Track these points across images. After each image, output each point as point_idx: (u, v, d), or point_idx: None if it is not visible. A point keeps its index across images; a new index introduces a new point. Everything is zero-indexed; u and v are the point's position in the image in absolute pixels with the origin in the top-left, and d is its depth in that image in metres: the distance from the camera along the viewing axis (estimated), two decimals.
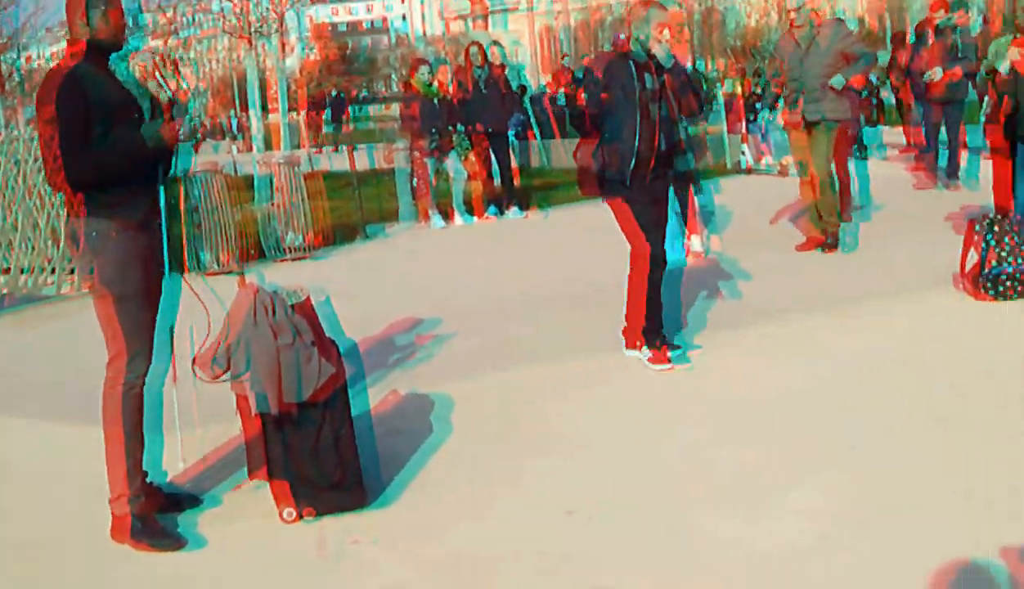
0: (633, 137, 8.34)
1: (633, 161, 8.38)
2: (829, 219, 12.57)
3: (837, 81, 12.24)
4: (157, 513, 6.12)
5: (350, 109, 56.85)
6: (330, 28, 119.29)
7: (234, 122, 52.77)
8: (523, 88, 27.88)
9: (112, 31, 5.84)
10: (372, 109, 76.59)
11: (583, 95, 8.70)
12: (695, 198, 12.98)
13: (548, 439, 7.19)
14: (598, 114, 8.50)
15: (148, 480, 6.18)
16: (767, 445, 6.80)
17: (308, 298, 6.35)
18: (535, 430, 7.40)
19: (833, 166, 12.87)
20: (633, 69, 8.38)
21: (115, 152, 5.71)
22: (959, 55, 16.24)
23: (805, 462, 6.46)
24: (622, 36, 8.41)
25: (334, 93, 48.26)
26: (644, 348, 8.68)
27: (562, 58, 18.54)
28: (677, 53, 8.46)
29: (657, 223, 8.71)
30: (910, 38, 21.52)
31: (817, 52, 12.42)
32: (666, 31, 8.37)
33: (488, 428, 7.49)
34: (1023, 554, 5.06)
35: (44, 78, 5.84)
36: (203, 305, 6.21)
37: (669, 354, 8.62)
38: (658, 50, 8.35)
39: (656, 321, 8.72)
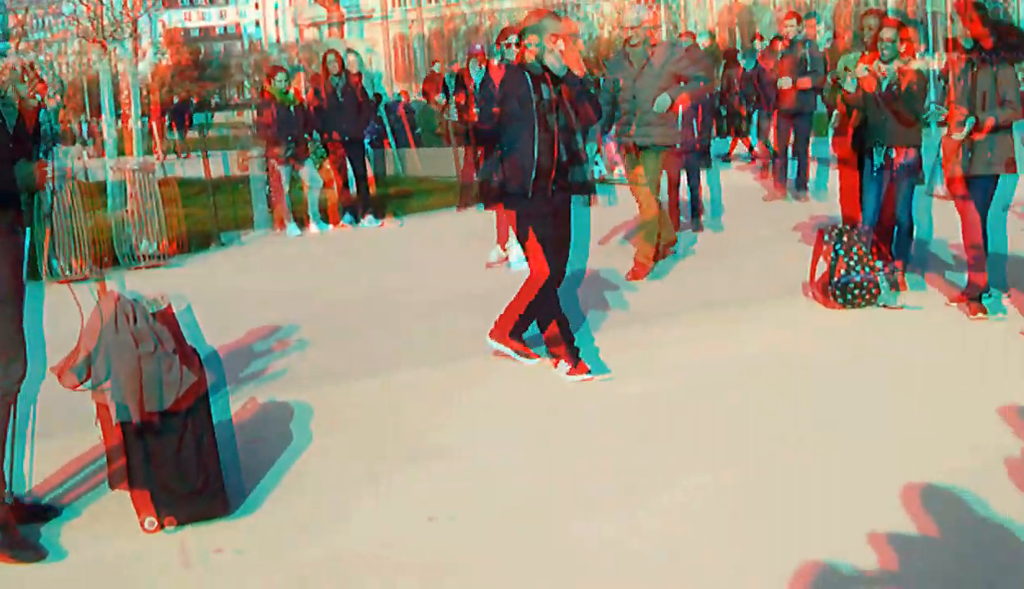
0: (532, 149, 8.33)
1: (534, 173, 8.36)
2: (644, 246, 12.28)
3: (660, 104, 11.86)
4: (18, 524, 6.07)
5: (193, 116, 56.32)
6: (183, 33, 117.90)
7: (84, 127, 51.92)
8: (378, 96, 27.90)
9: None
10: (224, 116, 75.88)
11: (475, 110, 8.77)
12: None
13: (410, 445, 7.23)
14: (492, 128, 8.53)
15: (7, 490, 6.13)
16: (625, 450, 6.94)
17: (169, 306, 6.34)
18: (397, 436, 7.44)
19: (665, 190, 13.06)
20: (529, 80, 8.39)
21: None
22: (808, 68, 16.61)
23: (663, 465, 6.61)
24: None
25: (176, 100, 47.78)
26: (561, 363, 8.57)
27: (433, 64, 18.59)
28: (570, 63, 8.42)
29: (558, 238, 8.67)
30: (740, 56, 22.09)
31: (650, 73, 12.04)
32: (560, 41, 8.39)
33: (350, 434, 7.52)
34: (878, 553, 5.24)
35: None
36: (80, 311, 6.19)
37: (588, 364, 8.57)
38: (552, 60, 8.35)
39: (566, 334, 8.62)
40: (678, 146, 12.83)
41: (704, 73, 12.96)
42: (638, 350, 9.28)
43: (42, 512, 6.37)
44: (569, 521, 5.90)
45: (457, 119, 15.84)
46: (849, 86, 10.61)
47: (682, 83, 12.08)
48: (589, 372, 8.48)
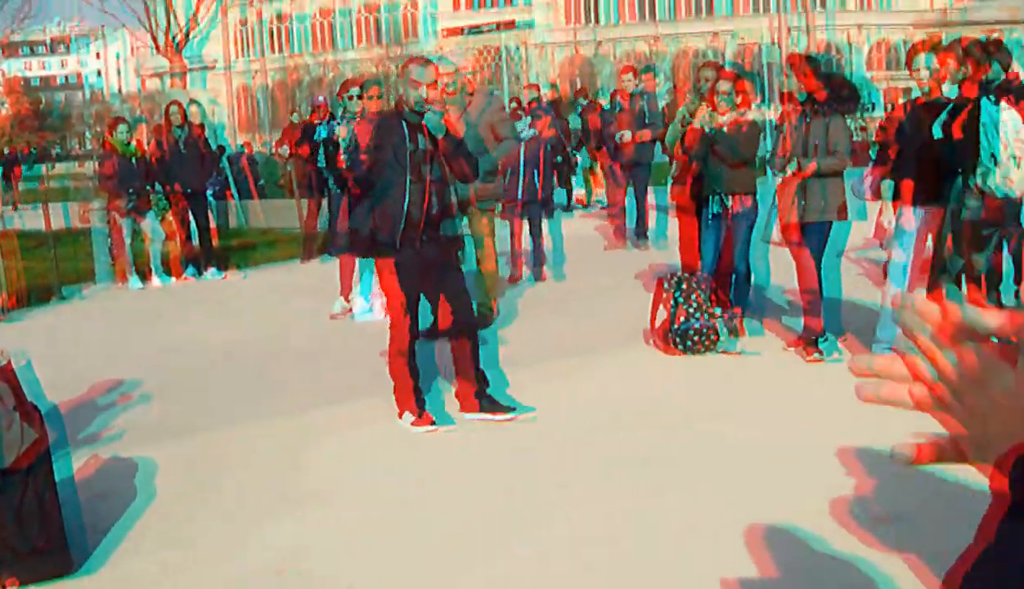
0: (403, 199, 8.22)
1: (402, 223, 8.25)
2: (484, 300, 12.01)
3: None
4: None
5: (23, 168, 55.37)
6: (23, 82, 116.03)
7: None
8: (221, 147, 27.76)
9: None
10: (65, 166, 74.80)
11: (343, 158, 8.73)
12: None
13: (256, 499, 7.23)
14: (362, 176, 8.42)
15: None
16: (483, 499, 7.00)
17: (9, 363, 6.27)
18: (243, 490, 7.42)
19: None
20: (405, 129, 8.30)
21: None
22: (647, 120, 16.88)
23: (512, 508, 6.68)
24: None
25: (6, 151, 46.97)
26: (406, 414, 8.51)
27: (291, 114, 18.48)
28: (447, 119, 8.36)
29: (423, 291, 8.66)
30: (576, 108, 22.41)
31: (467, 123, 11.17)
32: (428, 90, 8.36)
33: (194, 489, 7.48)
34: None
35: None
36: None
37: (432, 416, 8.54)
38: (433, 119, 8.25)
39: (416, 386, 8.59)
40: (515, 198, 12.89)
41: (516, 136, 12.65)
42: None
43: None
44: (429, 570, 5.93)
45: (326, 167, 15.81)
46: (687, 137, 10.84)
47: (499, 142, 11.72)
48: (434, 424, 8.47)
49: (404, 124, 8.33)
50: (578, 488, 7.10)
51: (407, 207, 8.24)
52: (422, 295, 8.74)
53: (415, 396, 8.56)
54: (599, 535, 6.32)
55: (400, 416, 8.57)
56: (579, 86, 38.98)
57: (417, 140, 8.30)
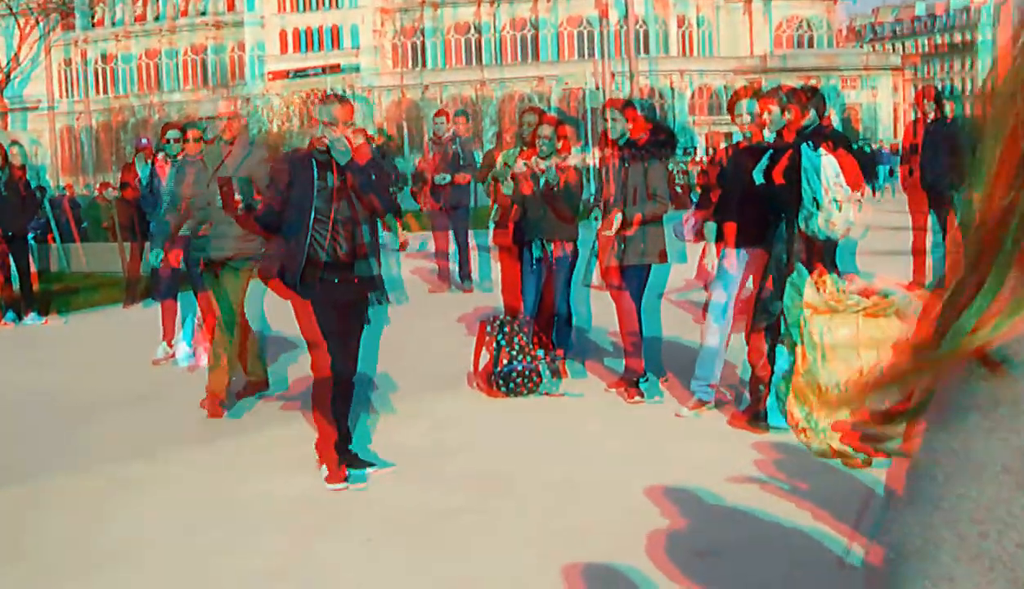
0: (306, 238, 7.97)
1: (302, 263, 7.98)
2: (255, 367, 11.02)
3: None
4: None
5: None
6: None
7: None
8: (42, 189, 27.27)
9: None
10: None
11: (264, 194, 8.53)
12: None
13: (57, 556, 7.10)
14: (268, 217, 8.27)
15: None
16: (282, 551, 6.97)
17: None
18: (54, 548, 7.28)
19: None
20: (314, 166, 8.06)
21: None
22: (462, 162, 17.01)
23: (319, 564, 6.66)
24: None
25: None
26: (323, 467, 8.12)
27: (136, 154, 18.18)
28: (355, 152, 8.08)
29: (336, 332, 8.11)
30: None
31: (224, 174, 9.85)
32: (335, 129, 8.06)
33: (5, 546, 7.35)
34: None
35: None
36: None
37: (347, 472, 8.12)
38: (339, 147, 8.00)
39: (340, 436, 8.25)
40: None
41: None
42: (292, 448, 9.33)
43: None
44: None
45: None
46: (506, 186, 10.94)
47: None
48: (346, 481, 8.07)
49: (314, 161, 8.09)
50: (383, 542, 7.10)
51: (307, 247, 7.98)
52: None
53: (335, 448, 8.15)
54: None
55: (319, 466, 8.18)
56: (407, 130, 39.15)
57: (326, 177, 8.05)
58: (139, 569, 6.76)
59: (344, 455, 8.25)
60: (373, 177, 8.18)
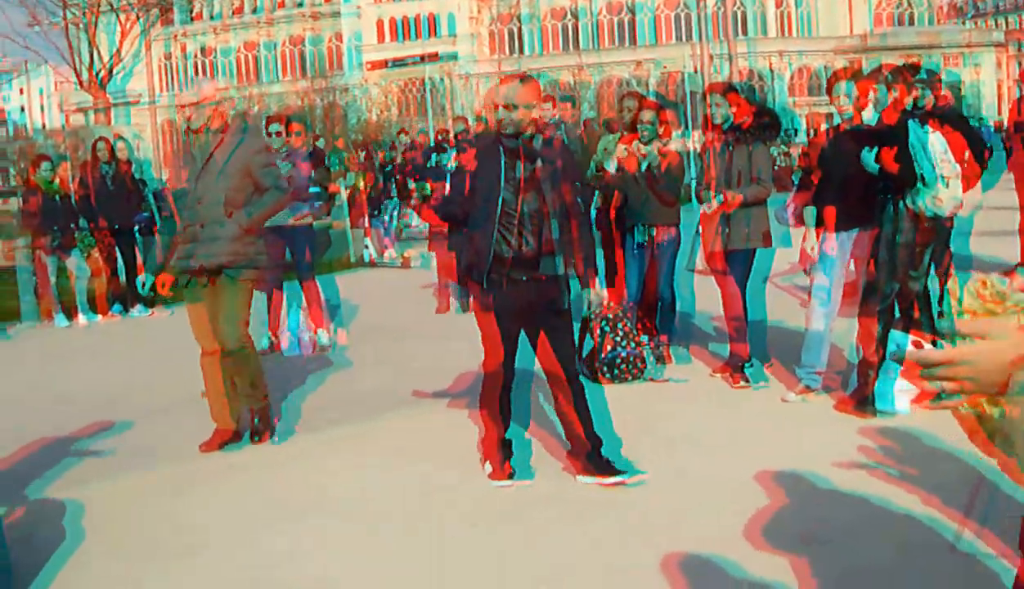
0: (491, 233, 7.41)
1: (489, 260, 7.45)
2: (254, 393, 9.29)
3: (234, 222, 8.88)
4: None
5: None
6: None
7: None
8: (144, 182, 27.56)
9: None
10: None
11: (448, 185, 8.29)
12: (320, 291, 13.17)
13: (175, 543, 7.18)
14: (449, 209, 8.00)
15: None
16: (404, 540, 7.00)
17: None
18: (162, 535, 7.38)
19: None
20: (502, 154, 7.49)
21: None
22: None
23: (431, 547, 6.70)
24: None
25: None
26: (487, 463, 7.90)
27: None
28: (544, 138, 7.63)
29: (516, 332, 7.69)
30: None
31: (213, 169, 8.92)
32: (517, 113, 7.47)
33: (123, 533, 7.43)
34: None
35: None
36: None
37: (511, 471, 7.81)
38: (518, 130, 7.46)
39: (503, 436, 7.92)
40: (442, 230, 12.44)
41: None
42: (416, 435, 9.36)
43: None
44: None
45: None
46: (610, 167, 10.91)
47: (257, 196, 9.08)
48: (512, 477, 7.78)
49: (501, 149, 7.51)
50: (493, 526, 7.12)
51: (493, 243, 7.44)
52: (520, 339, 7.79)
53: (499, 446, 7.89)
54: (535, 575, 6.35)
55: (482, 464, 8.01)
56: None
57: (514, 166, 7.46)
58: (229, 559, 6.85)
59: (595, 461, 7.70)
60: (562, 166, 7.64)
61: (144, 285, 8.97)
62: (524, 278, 7.52)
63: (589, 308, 7.74)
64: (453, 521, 7.16)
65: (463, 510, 7.35)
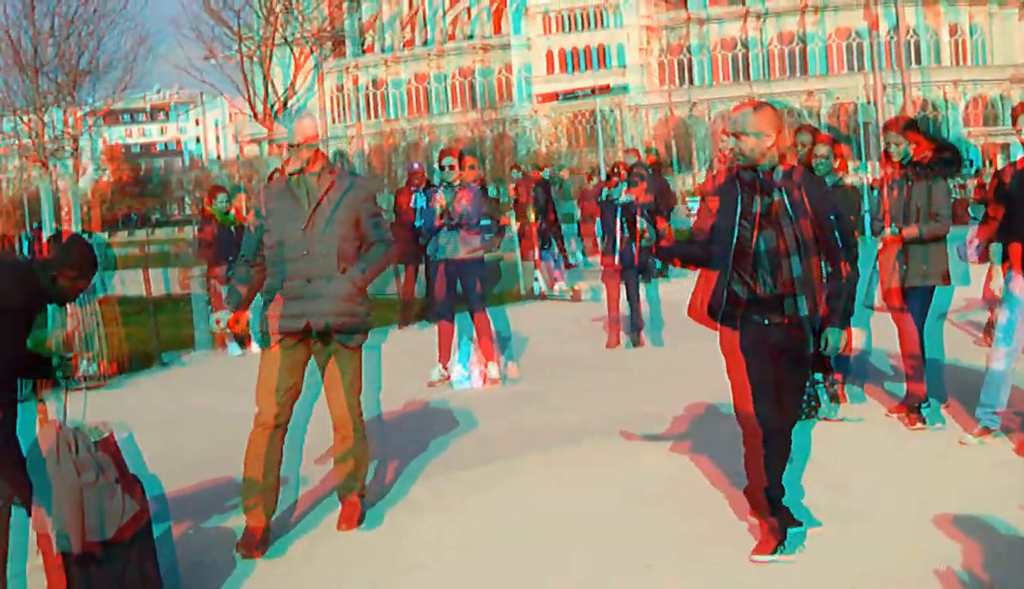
0: (726, 272, 6.90)
1: (723, 301, 6.97)
2: (358, 475, 8.28)
3: (347, 280, 7.88)
4: None
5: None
6: (123, 150, 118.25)
7: (24, 244, 51.75)
8: None
9: None
10: (165, 232, 76.17)
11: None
12: (490, 323, 13.17)
13: (362, 574, 7.22)
14: (700, 245, 7.13)
15: None
16: (565, 577, 6.94)
17: (111, 434, 6.33)
18: (348, 562, 7.41)
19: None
20: (739, 189, 6.94)
21: None
22: None
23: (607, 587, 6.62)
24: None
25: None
26: (769, 514, 7.09)
27: (409, 178, 17.71)
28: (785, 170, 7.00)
29: (763, 379, 7.02)
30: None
31: (321, 218, 7.80)
32: (767, 137, 6.89)
33: (296, 559, 7.47)
34: None
35: None
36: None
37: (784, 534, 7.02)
38: (753, 160, 6.90)
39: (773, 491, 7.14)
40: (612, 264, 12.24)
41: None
42: (581, 463, 9.30)
43: None
44: None
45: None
46: None
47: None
48: (778, 550, 6.95)
49: (738, 183, 6.97)
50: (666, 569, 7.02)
51: (728, 281, 6.92)
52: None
53: (772, 509, 7.10)
54: None
55: (749, 514, 7.40)
56: (674, 148, 38.97)
57: (752, 202, 6.88)
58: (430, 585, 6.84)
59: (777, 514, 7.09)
60: (803, 198, 6.90)
61: (220, 322, 7.50)
62: (765, 322, 6.93)
63: (825, 348, 6.94)
64: (612, 547, 7.08)
65: (617, 539, 7.27)
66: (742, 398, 7.09)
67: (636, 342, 15.02)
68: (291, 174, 7.81)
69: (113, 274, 15.84)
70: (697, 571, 6.83)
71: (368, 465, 8.45)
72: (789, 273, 6.83)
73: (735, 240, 6.84)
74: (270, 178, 7.86)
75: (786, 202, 6.83)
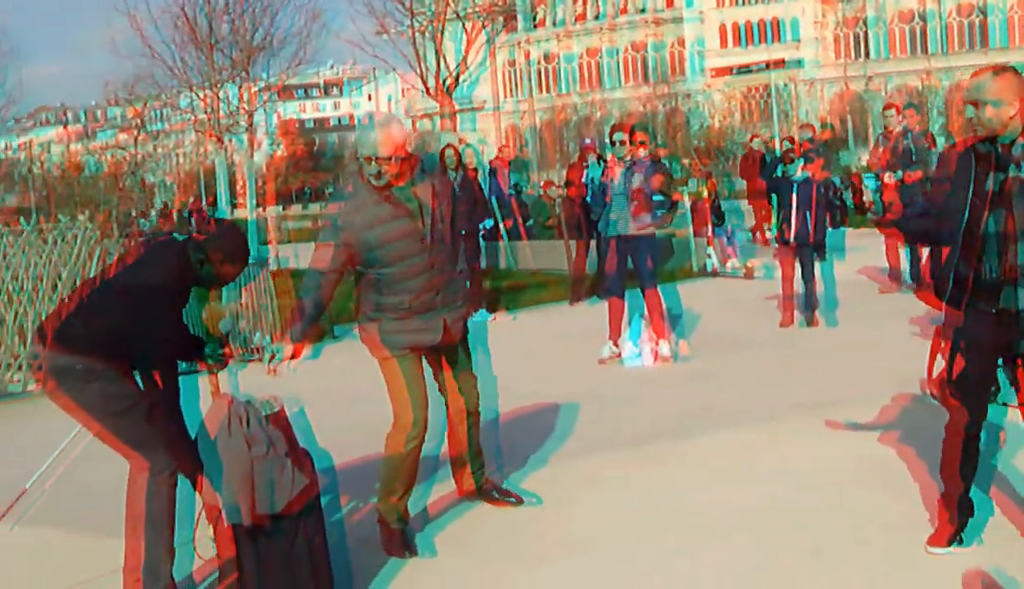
0: (955, 252, 6.38)
1: (950, 283, 6.45)
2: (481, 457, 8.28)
3: (463, 277, 8.53)
4: None
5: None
6: (298, 124, 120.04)
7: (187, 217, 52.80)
8: (517, 187, 27.97)
9: None
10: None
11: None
12: (661, 301, 13.01)
13: (527, 550, 7.17)
14: (931, 219, 6.62)
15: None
16: (729, 559, 6.79)
17: (282, 408, 6.34)
18: (511, 539, 7.39)
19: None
20: (973, 163, 6.34)
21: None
22: (914, 158, 16.32)
23: (770, 575, 6.45)
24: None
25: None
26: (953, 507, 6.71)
27: (581, 153, 17.59)
28: None
29: (986, 376, 6.66)
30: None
31: (440, 226, 7.48)
32: (1009, 106, 6.21)
33: (463, 537, 7.47)
34: None
35: None
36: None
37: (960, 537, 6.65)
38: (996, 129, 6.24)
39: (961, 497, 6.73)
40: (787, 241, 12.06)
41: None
42: (753, 446, 9.14)
43: None
44: None
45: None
46: None
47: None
48: (953, 543, 6.64)
49: (972, 156, 6.36)
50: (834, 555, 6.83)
51: (956, 263, 6.39)
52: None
53: (959, 506, 6.72)
54: None
55: (935, 521, 6.91)
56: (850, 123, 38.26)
57: (985, 178, 6.27)
58: (590, 561, 6.74)
59: (962, 516, 6.68)
60: None
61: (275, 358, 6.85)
62: (992, 310, 6.32)
63: None
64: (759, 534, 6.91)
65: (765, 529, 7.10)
66: (953, 388, 6.61)
67: (810, 321, 14.74)
68: (388, 185, 7.23)
69: (259, 271, 15.98)
70: (867, 558, 6.61)
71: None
72: (1015, 258, 6.19)
73: (966, 219, 6.25)
74: (348, 186, 7.34)
75: (1021, 179, 6.19)
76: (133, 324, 6.10)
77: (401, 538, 7.27)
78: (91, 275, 11.92)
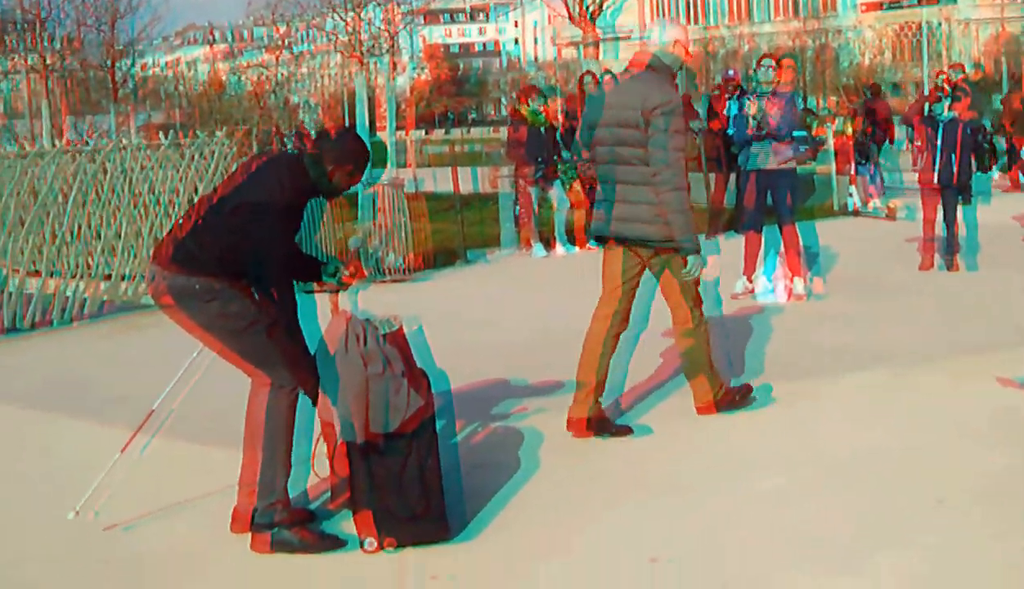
0: None
1: None
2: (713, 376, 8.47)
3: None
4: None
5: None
6: (442, 49, 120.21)
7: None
8: None
9: None
10: (480, 131, 77.33)
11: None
12: (799, 238, 12.77)
13: (634, 481, 7.07)
14: None
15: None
16: (849, 502, 6.62)
17: (401, 327, 6.30)
18: (623, 470, 7.31)
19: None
20: None
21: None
22: None
23: (888, 520, 6.27)
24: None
25: None
26: None
27: (724, 85, 17.34)
28: None
29: None
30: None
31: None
32: None
33: (576, 465, 7.40)
34: None
35: None
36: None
37: None
38: None
39: None
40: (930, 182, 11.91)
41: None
42: (885, 390, 8.93)
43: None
44: (783, 574, 5.64)
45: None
46: None
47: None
48: None
49: None
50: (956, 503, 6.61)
51: None
52: None
53: None
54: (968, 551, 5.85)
55: None
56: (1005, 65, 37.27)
57: None
58: (700, 499, 6.63)
59: None
60: None
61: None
62: None
63: None
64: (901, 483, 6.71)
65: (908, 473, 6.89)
66: None
67: (950, 266, 14.38)
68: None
69: (382, 171, 16.01)
70: (993, 509, 6.38)
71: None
72: None
73: None
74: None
75: None
76: (245, 242, 6.05)
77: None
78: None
